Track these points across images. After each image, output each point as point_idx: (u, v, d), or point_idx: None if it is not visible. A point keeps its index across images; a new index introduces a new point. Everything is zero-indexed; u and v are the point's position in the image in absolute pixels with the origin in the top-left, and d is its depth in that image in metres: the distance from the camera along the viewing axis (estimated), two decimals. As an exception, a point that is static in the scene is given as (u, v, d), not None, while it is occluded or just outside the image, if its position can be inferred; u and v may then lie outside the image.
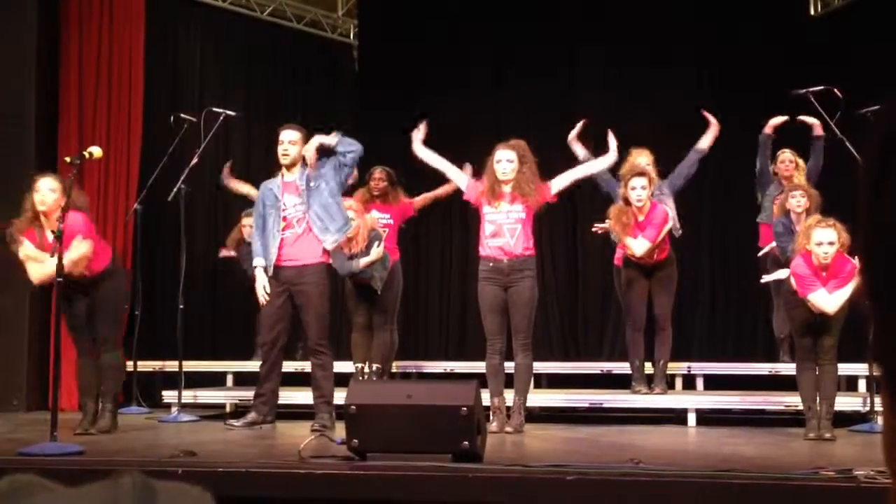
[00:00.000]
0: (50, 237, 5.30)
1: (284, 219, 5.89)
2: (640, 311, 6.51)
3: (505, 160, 5.73)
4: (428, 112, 9.53)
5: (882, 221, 0.64)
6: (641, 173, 6.28)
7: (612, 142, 6.15)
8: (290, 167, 5.97)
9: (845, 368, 5.99)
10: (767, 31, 8.74)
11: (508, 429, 5.64)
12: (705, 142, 6.75)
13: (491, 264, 5.74)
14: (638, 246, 6.23)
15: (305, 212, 5.86)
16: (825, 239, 5.14)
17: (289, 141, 5.96)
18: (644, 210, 6.26)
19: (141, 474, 0.63)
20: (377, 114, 9.83)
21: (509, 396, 5.84)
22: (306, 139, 5.99)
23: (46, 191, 5.42)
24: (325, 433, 5.28)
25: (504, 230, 5.71)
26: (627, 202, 6.27)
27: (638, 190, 6.20)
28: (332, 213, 5.92)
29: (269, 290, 5.87)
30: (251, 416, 5.97)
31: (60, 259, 4.92)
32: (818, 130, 6.73)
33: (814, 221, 5.31)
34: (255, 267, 5.95)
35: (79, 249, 5.34)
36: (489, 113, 9.46)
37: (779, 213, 6.59)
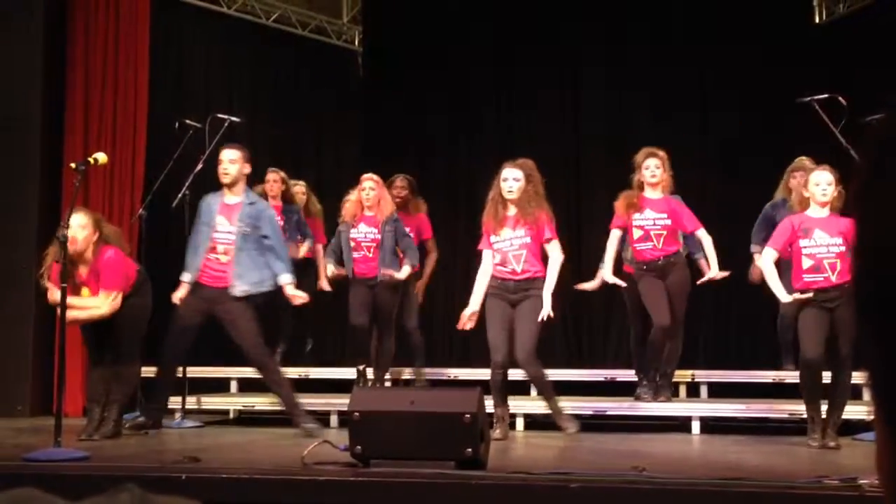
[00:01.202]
0: (83, 272, 5.43)
1: (213, 240, 5.95)
2: (663, 313, 6.40)
3: (512, 178, 5.72)
4: (431, 118, 9.58)
5: (872, 223, 0.63)
6: (654, 154, 6.36)
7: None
8: (230, 186, 6.00)
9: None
10: (772, 39, 8.74)
11: (570, 430, 5.75)
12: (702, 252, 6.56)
13: (499, 282, 5.80)
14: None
15: (233, 243, 5.91)
16: (823, 180, 5.33)
17: (228, 160, 6.00)
18: (656, 188, 6.34)
19: (139, 488, 0.63)
20: (382, 120, 9.86)
21: (514, 403, 5.83)
22: (247, 158, 6.08)
23: (77, 228, 5.40)
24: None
25: (510, 258, 5.75)
26: (641, 187, 6.35)
27: (652, 168, 6.31)
28: (256, 264, 5.93)
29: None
30: (142, 419, 6.03)
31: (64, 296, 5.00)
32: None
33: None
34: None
35: (111, 305, 5.51)
36: (493, 119, 9.48)
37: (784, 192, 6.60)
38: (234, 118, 7.27)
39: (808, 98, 6.41)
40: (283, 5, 9.67)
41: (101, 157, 5.48)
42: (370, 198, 6.94)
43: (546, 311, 5.72)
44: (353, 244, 6.95)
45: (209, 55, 9.01)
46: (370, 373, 7.04)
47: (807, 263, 5.36)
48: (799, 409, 6.23)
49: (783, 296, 5.47)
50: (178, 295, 6.04)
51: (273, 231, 6.09)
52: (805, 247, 5.37)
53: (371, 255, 6.92)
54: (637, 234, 6.39)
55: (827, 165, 5.50)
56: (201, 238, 6.00)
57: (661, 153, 6.46)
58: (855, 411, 5.89)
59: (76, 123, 7.70)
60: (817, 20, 9.06)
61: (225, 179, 6.00)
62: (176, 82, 8.61)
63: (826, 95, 6.35)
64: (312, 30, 9.99)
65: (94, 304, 5.55)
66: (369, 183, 6.98)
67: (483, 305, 5.86)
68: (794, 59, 8.53)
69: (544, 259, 5.88)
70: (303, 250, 8.11)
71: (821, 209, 5.41)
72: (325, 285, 7.51)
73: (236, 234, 5.90)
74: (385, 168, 7.78)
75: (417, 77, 9.75)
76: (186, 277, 6.06)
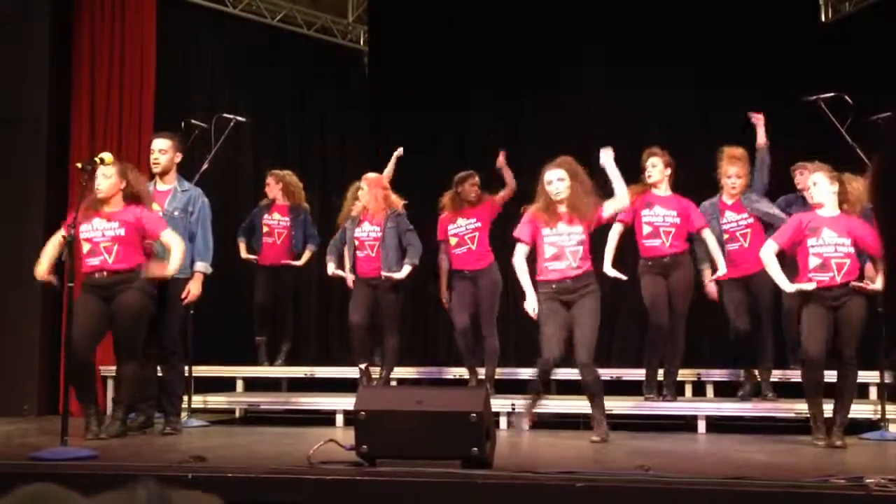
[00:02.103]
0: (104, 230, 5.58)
1: None
2: (661, 312, 6.46)
3: (556, 180, 5.53)
4: (437, 117, 9.59)
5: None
6: (651, 153, 6.53)
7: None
8: (161, 175, 6.09)
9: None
10: (778, 37, 8.73)
11: (595, 438, 5.54)
12: (760, 137, 6.63)
13: (554, 286, 5.55)
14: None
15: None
16: (819, 179, 5.45)
17: (158, 150, 6.10)
18: (658, 186, 6.48)
19: (156, 483, 0.63)
20: (387, 119, 9.86)
21: (519, 402, 5.81)
22: (178, 148, 6.15)
23: (102, 175, 5.61)
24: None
25: (567, 253, 5.53)
26: (648, 186, 6.50)
27: (648, 168, 6.48)
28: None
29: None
30: (142, 418, 6.02)
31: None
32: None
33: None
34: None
35: (178, 239, 5.67)
36: (499, 117, 9.47)
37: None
38: (239, 118, 7.28)
39: (815, 97, 6.41)
40: (289, 5, 9.69)
41: (108, 156, 5.50)
42: (362, 199, 6.99)
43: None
44: (356, 243, 6.96)
45: (215, 55, 9.02)
46: (376, 372, 7.05)
47: (814, 262, 5.36)
48: (805, 408, 6.23)
49: (786, 285, 5.47)
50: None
51: (203, 217, 6.13)
52: (813, 246, 5.37)
53: (374, 255, 6.92)
54: (646, 230, 6.43)
55: (822, 164, 5.57)
56: None
57: (658, 151, 6.54)
58: (861, 410, 5.88)
59: (83, 123, 7.71)
60: (823, 19, 9.05)
61: (155, 169, 6.09)
62: (182, 82, 8.62)
63: (832, 94, 6.35)
64: (318, 29, 10.00)
65: (173, 250, 5.61)
66: (363, 184, 7.02)
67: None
68: (800, 58, 8.51)
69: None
70: (304, 257, 8.10)
71: (831, 209, 5.42)
72: (340, 273, 7.33)
73: (167, 219, 5.91)
74: (382, 167, 7.78)
75: (422, 76, 9.75)
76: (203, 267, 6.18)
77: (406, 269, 6.89)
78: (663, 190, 6.53)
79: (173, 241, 5.65)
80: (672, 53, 8.98)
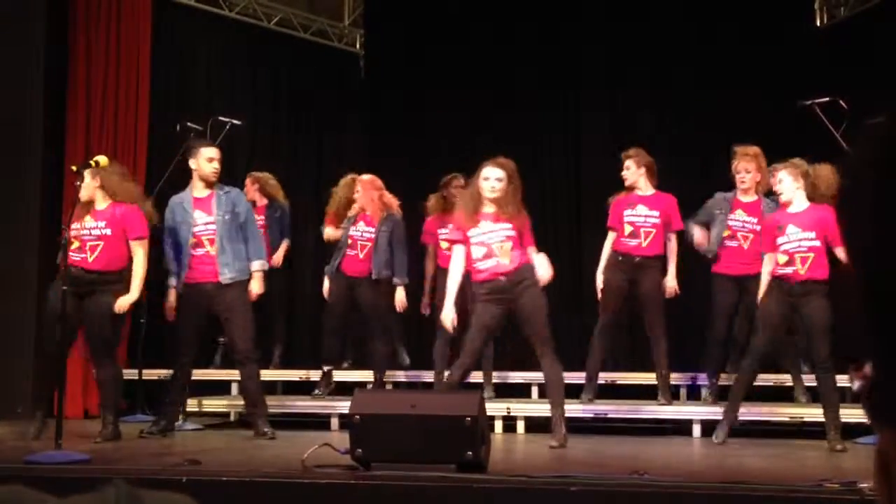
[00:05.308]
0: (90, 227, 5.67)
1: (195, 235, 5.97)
2: (611, 310, 6.50)
3: (494, 178, 5.43)
4: (434, 120, 9.59)
5: (877, 221, 0.63)
6: (628, 156, 6.56)
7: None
8: (208, 183, 6.04)
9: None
10: (773, 42, 8.74)
11: (553, 443, 5.34)
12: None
13: (487, 287, 5.39)
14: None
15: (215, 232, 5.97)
16: (781, 177, 5.63)
17: (217, 158, 6.04)
18: (636, 187, 6.51)
19: (126, 484, 0.63)
20: (383, 123, 9.86)
21: (515, 406, 5.81)
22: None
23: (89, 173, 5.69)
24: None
25: (494, 249, 5.38)
26: (631, 188, 6.53)
27: (624, 171, 6.53)
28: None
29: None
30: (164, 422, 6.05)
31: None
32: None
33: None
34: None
35: (144, 251, 5.78)
36: (494, 121, 9.48)
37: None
38: (235, 121, 7.28)
39: (810, 101, 6.42)
40: (285, 8, 9.68)
41: (103, 159, 5.49)
42: (357, 200, 7.01)
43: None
44: (350, 241, 6.94)
45: (210, 57, 9.01)
46: (371, 376, 7.04)
47: (782, 259, 5.50)
48: (800, 412, 6.25)
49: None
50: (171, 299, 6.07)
51: (250, 216, 6.19)
52: (781, 244, 5.50)
53: (362, 257, 6.92)
54: (627, 229, 6.47)
55: (792, 162, 5.71)
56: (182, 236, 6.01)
57: (632, 153, 6.58)
58: (854, 415, 5.89)
59: (78, 126, 7.71)
60: (818, 24, 9.06)
61: (214, 177, 6.02)
62: (177, 85, 8.61)
63: (827, 99, 6.36)
64: (314, 32, 10.00)
65: (136, 266, 5.69)
66: (358, 185, 7.05)
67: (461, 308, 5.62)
68: (795, 63, 8.52)
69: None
70: (277, 254, 7.99)
71: (798, 204, 5.54)
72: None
73: (217, 224, 5.92)
74: (386, 170, 7.78)
75: (418, 80, 9.75)
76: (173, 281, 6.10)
77: (401, 292, 6.98)
78: (645, 189, 6.54)
79: (138, 254, 5.72)
80: (666, 56, 8.99)
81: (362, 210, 6.98)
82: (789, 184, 5.52)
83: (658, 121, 8.98)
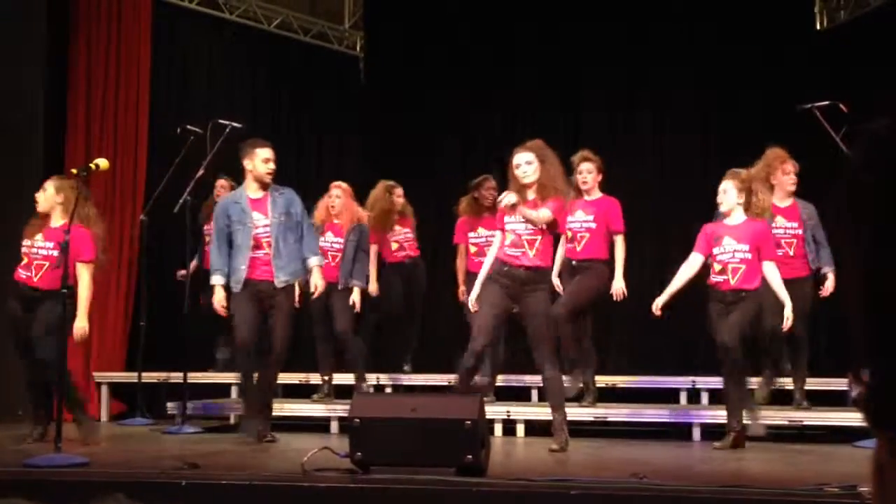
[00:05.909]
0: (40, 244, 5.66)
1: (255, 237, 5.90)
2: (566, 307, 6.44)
3: (524, 162, 5.34)
4: (433, 122, 9.60)
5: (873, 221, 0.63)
6: (587, 158, 6.54)
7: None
8: (268, 185, 5.97)
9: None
10: (773, 45, 8.74)
11: (554, 447, 5.30)
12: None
13: (506, 268, 5.30)
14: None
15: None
16: (721, 189, 5.74)
17: (273, 158, 5.98)
18: (590, 192, 6.52)
19: (126, 498, 0.63)
20: (383, 126, 9.86)
21: (514, 409, 5.80)
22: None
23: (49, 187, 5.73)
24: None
25: (523, 241, 5.29)
26: (578, 190, 6.49)
27: (584, 174, 6.50)
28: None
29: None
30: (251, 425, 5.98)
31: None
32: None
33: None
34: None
35: (89, 275, 5.68)
36: (494, 124, 9.48)
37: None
38: (235, 123, 7.27)
39: (809, 105, 6.41)
40: (285, 11, 9.69)
41: (103, 162, 5.49)
42: (335, 206, 7.10)
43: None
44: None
45: (211, 60, 9.02)
46: (368, 380, 7.04)
47: (717, 268, 5.68)
48: (799, 416, 6.24)
49: (788, 302, 5.63)
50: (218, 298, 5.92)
51: (305, 214, 6.16)
52: (717, 254, 5.67)
53: (334, 264, 7.03)
54: (568, 234, 6.45)
55: (733, 171, 5.78)
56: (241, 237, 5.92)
57: (591, 156, 6.58)
58: (853, 418, 5.89)
59: (78, 128, 7.71)
60: (818, 27, 9.07)
61: (270, 177, 5.93)
62: (177, 87, 8.62)
63: (827, 102, 6.35)
64: (314, 35, 10.01)
65: (81, 289, 5.63)
66: (336, 191, 7.14)
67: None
68: (795, 66, 8.53)
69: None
70: None
71: (737, 217, 5.69)
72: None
73: (273, 226, 5.90)
74: (386, 173, 7.78)
75: (418, 83, 9.76)
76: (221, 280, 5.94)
77: (357, 293, 7.04)
78: (592, 194, 6.54)
79: (83, 277, 5.65)
80: (666, 59, 8.99)
81: (330, 218, 7.10)
82: (733, 197, 5.69)
83: (658, 121, 8.98)
